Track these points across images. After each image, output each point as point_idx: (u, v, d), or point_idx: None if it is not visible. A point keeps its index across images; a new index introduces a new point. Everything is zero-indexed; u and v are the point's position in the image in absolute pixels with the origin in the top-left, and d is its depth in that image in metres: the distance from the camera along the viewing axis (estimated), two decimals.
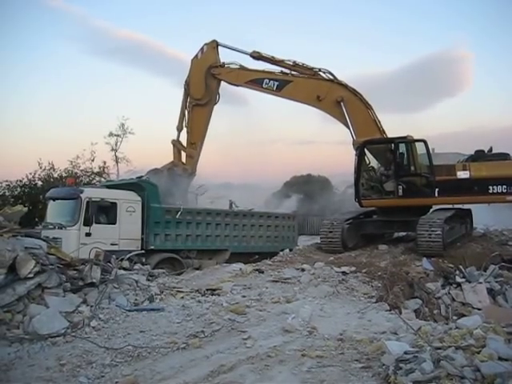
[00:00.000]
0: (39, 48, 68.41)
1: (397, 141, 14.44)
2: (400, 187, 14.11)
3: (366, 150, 14.74)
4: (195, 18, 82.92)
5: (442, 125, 61.36)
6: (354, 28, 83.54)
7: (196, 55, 17.00)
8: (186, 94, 17.05)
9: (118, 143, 28.59)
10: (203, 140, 17.22)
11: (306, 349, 6.01)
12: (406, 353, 4.78)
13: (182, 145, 17.32)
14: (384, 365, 5.03)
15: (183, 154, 17.38)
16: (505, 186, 13.30)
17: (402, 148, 14.39)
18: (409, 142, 14.38)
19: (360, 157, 14.59)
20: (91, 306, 7.25)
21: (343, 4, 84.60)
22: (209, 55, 16.79)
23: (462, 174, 13.68)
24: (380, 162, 15.19)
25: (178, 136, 17.38)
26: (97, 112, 58.92)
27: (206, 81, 16.62)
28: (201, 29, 70.07)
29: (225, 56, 17.02)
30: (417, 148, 14.30)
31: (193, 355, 5.91)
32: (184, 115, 17.13)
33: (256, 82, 16.08)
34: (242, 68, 16.42)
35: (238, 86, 16.82)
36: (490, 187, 13.39)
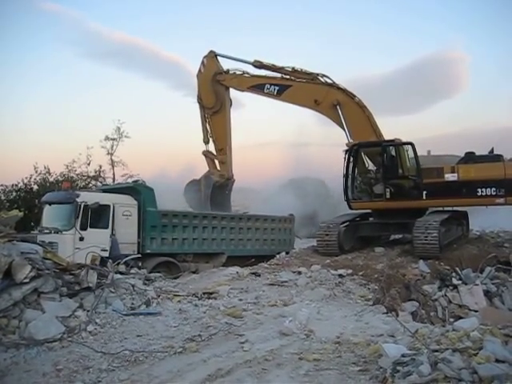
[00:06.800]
0: (33, 51, 68.27)
1: (384, 144, 14.50)
2: (388, 190, 14.18)
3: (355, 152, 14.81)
4: (190, 21, 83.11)
5: (438, 126, 61.47)
6: (349, 29, 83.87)
7: (199, 70, 17.80)
8: (202, 107, 17.83)
9: (114, 147, 28.42)
10: (230, 144, 17.93)
11: (303, 352, 6.01)
12: (403, 355, 4.78)
13: (212, 153, 18.04)
14: (381, 368, 5.02)
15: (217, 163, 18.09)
16: (494, 189, 13.21)
17: (390, 151, 14.45)
18: (396, 145, 14.47)
19: (348, 160, 14.65)
20: (88, 311, 7.20)
21: (338, 5, 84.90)
22: (210, 65, 17.56)
23: (450, 177, 13.67)
24: (368, 166, 15.26)
25: (207, 148, 18.15)
26: (92, 116, 58.72)
27: (214, 89, 17.36)
28: (196, 32, 70.20)
29: (227, 65, 17.69)
30: (405, 151, 14.37)
31: (190, 359, 5.90)
32: (206, 129, 17.91)
33: (258, 87, 16.65)
34: (245, 74, 17.00)
35: (242, 91, 17.46)
36: (479, 189, 13.35)
